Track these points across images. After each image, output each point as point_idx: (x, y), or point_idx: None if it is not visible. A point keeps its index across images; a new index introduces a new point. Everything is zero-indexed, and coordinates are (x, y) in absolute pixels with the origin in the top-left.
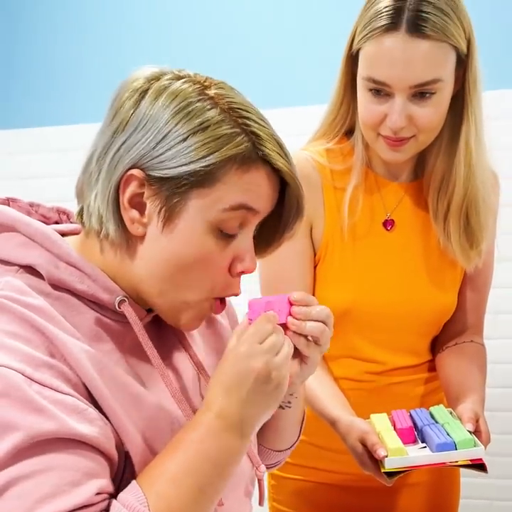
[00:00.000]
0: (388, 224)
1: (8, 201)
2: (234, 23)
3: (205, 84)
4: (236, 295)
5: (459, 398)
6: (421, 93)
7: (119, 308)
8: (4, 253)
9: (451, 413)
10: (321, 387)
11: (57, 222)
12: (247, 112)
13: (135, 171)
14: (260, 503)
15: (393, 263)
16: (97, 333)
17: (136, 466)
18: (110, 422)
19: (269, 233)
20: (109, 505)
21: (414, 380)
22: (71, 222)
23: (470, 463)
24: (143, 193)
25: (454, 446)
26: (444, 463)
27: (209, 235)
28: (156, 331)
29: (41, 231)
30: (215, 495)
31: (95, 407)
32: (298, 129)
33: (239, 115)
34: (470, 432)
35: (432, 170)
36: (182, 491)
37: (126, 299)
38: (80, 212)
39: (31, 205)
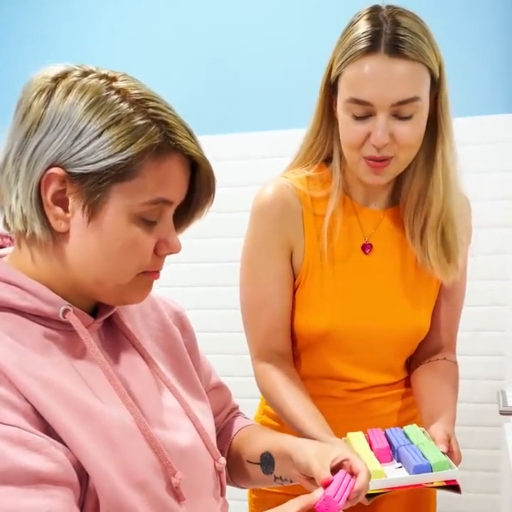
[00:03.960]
0: (366, 248)
1: None
2: (223, 43)
3: (111, 77)
4: (160, 269)
5: (431, 417)
6: (401, 114)
7: (64, 317)
8: None
9: (423, 432)
10: (299, 407)
11: (1, 247)
12: (155, 101)
13: (55, 170)
14: (221, 494)
15: (370, 286)
16: (46, 346)
17: (95, 480)
18: (64, 442)
19: (180, 213)
20: None
21: (391, 396)
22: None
23: (445, 484)
24: (65, 189)
25: (429, 468)
26: (420, 484)
27: (133, 224)
28: (109, 335)
29: None
30: None
31: (47, 429)
32: (280, 151)
33: (147, 105)
34: (444, 453)
35: (408, 192)
36: None
37: (70, 308)
38: (5, 219)
39: None
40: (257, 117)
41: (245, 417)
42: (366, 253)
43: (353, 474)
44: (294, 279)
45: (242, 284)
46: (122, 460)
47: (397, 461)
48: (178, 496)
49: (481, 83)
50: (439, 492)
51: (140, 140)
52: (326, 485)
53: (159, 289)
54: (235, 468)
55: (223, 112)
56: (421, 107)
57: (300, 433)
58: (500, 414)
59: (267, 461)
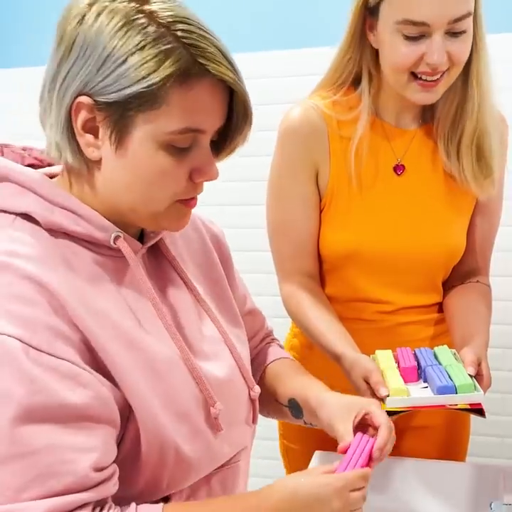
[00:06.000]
0: (399, 169)
1: (1, 147)
2: None
3: (144, 0)
4: (198, 194)
5: (463, 340)
6: (455, 31)
7: (115, 244)
8: (0, 202)
9: (454, 355)
10: (325, 323)
11: (50, 164)
12: (186, 23)
13: (83, 98)
14: (254, 421)
15: (402, 206)
16: (96, 273)
17: (138, 413)
18: (110, 373)
19: (221, 139)
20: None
21: (424, 321)
22: None
23: (469, 407)
24: (95, 117)
25: (454, 390)
26: (443, 405)
27: (162, 153)
28: (153, 261)
29: (33, 178)
30: None
31: (95, 360)
32: (311, 69)
33: (176, 28)
34: (471, 376)
35: (443, 109)
36: None
37: (120, 235)
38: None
39: (24, 149)
40: (287, 35)
41: (279, 344)
42: (398, 174)
43: (375, 428)
44: (320, 201)
45: (267, 206)
46: (166, 391)
47: (424, 381)
48: (216, 426)
49: None
50: (472, 417)
51: (164, 65)
52: (344, 451)
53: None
54: (267, 403)
55: (253, 29)
56: (470, 23)
57: (325, 348)
58: None
59: (295, 407)
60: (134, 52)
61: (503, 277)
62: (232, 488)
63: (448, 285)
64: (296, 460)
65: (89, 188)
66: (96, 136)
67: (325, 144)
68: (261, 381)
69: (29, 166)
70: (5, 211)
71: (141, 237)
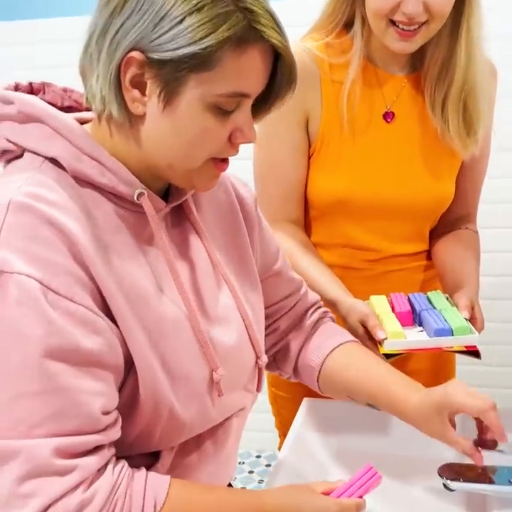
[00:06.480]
0: (388, 116)
1: (43, 86)
2: None
3: None
4: (234, 155)
5: (455, 285)
6: None
7: (138, 200)
8: (31, 143)
9: (447, 299)
10: (317, 271)
11: (88, 109)
12: None
13: (135, 54)
14: (258, 389)
15: (392, 154)
16: (117, 226)
17: (138, 369)
18: (117, 325)
19: (260, 100)
20: (112, 425)
21: (413, 268)
22: None
23: (464, 349)
24: (143, 73)
25: (450, 333)
26: (440, 348)
27: (207, 114)
28: (176, 221)
29: (66, 124)
30: None
31: (106, 309)
32: (299, 20)
33: None
34: (466, 320)
35: (430, 60)
36: None
37: (144, 192)
38: (87, 94)
39: (65, 90)
40: None
41: (332, 318)
42: (388, 121)
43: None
44: (309, 147)
45: (255, 152)
46: (168, 352)
47: (419, 326)
48: (217, 391)
49: None
50: (459, 365)
51: (221, 29)
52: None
53: None
54: (330, 389)
55: None
56: None
57: (319, 294)
58: None
59: (375, 407)
60: (192, 12)
61: (491, 229)
62: (223, 443)
63: (437, 232)
64: (285, 408)
65: (132, 141)
66: (142, 92)
67: (317, 88)
68: (325, 365)
69: (67, 107)
70: (35, 153)
71: (166, 196)
